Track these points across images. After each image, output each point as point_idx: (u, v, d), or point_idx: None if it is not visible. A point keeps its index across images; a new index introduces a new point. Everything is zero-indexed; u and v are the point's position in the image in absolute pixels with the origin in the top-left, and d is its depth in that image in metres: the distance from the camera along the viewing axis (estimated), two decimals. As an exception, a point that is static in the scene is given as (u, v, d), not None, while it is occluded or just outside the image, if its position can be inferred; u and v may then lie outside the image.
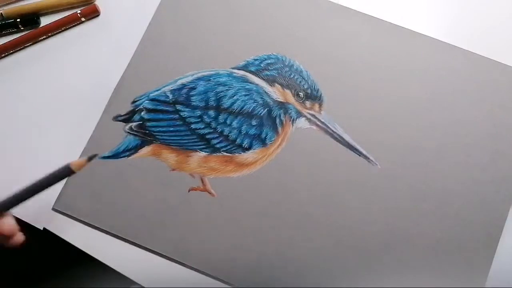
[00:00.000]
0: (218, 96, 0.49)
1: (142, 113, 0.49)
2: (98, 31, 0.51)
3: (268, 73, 0.49)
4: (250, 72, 0.49)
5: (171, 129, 0.48)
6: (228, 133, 0.48)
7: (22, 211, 0.48)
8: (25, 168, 0.49)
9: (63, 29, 0.51)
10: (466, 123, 0.48)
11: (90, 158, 0.42)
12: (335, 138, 0.48)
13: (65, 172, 0.42)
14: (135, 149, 0.48)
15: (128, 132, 0.49)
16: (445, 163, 0.47)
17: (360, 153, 0.48)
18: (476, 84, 0.49)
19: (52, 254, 0.52)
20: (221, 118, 0.48)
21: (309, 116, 0.48)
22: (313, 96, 0.49)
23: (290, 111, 0.48)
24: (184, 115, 0.48)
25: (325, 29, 0.50)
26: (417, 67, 0.49)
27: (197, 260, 0.46)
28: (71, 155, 0.48)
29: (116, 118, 0.49)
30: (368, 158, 0.48)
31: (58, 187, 0.48)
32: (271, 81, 0.49)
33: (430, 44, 0.50)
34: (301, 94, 0.48)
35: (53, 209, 0.48)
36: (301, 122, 0.49)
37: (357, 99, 0.49)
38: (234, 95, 0.48)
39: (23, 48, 0.51)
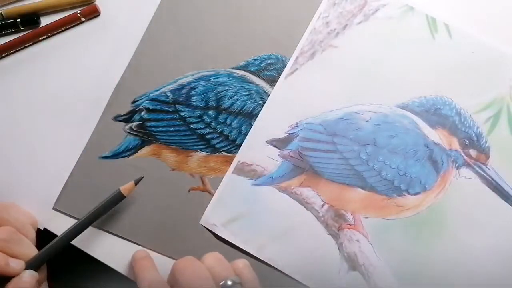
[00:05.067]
0: (218, 96, 0.49)
1: (142, 113, 0.49)
2: (98, 31, 0.51)
3: (268, 73, 0.49)
4: (250, 72, 0.49)
5: (171, 129, 0.48)
6: (228, 133, 0.48)
7: (22, 211, 0.48)
8: (25, 168, 0.49)
9: (63, 29, 0.51)
10: None
11: (136, 182, 0.45)
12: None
13: (117, 198, 0.45)
14: (135, 149, 0.48)
15: (128, 132, 0.49)
16: None
17: None
18: None
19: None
20: (221, 118, 0.48)
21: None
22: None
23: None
24: (184, 115, 0.48)
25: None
26: None
27: (197, 260, 0.47)
28: (71, 155, 0.48)
29: (116, 118, 0.49)
30: None
31: (58, 187, 0.48)
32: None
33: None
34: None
35: (54, 209, 0.48)
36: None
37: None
38: (234, 95, 0.48)
39: (23, 48, 0.51)
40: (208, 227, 0.47)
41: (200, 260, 0.41)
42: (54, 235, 0.45)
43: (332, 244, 0.47)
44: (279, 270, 0.46)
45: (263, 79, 0.49)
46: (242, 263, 0.41)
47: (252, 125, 0.48)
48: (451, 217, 0.46)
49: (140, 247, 0.47)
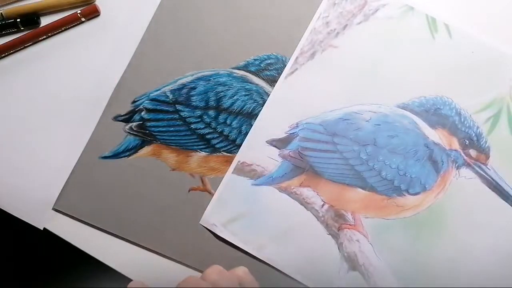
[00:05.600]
0: (218, 96, 0.49)
1: (142, 113, 0.49)
2: (98, 31, 0.51)
3: (268, 73, 0.49)
4: (250, 72, 0.49)
5: (171, 129, 0.49)
6: (228, 133, 0.48)
7: (22, 211, 0.48)
8: (25, 168, 0.49)
9: (63, 29, 0.51)
10: None
11: None
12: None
13: None
14: (135, 149, 0.48)
15: (128, 132, 0.49)
16: None
17: None
18: None
19: (52, 254, 0.52)
20: (221, 118, 0.48)
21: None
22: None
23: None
24: (184, 115, 0.48)
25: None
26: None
27: (197, 260, 0.47)
28: (71, 155, 0.48)
29: (116, 118, 0.49)
30: None
31: (58, 187, 0.48)
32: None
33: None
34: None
35: (54, 209, 0.48)
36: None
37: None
38: (234, 95, 0.48)
39: (23, 48, 0.51)
40: (208, 227, 0.47)
41: (201, 276, 0.40)
42: (54, 235, 0.45)
43: (332, 244, 0.47)
44: (279, 270, 0.46)
45: (263, 79, 0.49)
46: (242, 271, 0.41)
47: (252, 125, 0.48)
48: (451, 217, 0.46)
49: (140, 247, 0.47)
